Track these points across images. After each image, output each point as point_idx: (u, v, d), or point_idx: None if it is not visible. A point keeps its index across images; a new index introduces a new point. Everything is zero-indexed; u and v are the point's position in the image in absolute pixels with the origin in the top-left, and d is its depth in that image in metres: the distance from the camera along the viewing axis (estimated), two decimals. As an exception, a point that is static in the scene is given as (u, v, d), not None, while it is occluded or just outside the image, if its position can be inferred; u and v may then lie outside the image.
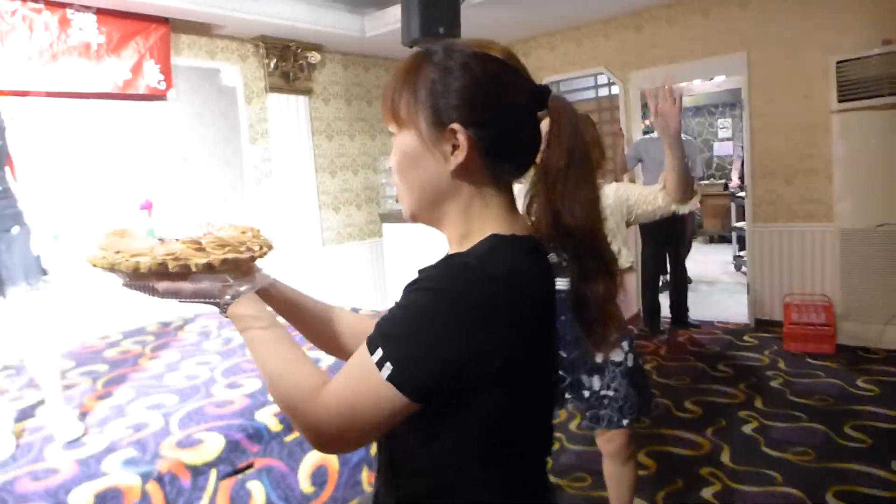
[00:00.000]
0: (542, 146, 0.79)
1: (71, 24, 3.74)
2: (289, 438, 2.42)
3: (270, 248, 0.90)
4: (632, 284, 5.10)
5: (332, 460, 2.55)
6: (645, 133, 5.32)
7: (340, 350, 0.98)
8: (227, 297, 0.81)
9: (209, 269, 0.80)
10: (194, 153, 4.54)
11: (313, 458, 2.49)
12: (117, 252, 0.82)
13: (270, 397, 0.85)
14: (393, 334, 0.71)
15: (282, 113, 5.02)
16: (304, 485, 2.46)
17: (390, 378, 0.69)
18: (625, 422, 1.96)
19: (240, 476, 2.27)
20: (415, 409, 0.71)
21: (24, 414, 2.63)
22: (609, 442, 2.07)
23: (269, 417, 2.41)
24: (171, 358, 3.40)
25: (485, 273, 0.71)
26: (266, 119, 4.99)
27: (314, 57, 5.06)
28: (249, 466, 2.31)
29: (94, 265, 0.83)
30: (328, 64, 5.44)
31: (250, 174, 4.90)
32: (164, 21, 4.15)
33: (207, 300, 0.82)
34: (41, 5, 3.61)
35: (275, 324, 0.82)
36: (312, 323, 0.97)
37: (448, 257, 0.75)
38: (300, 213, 5.15)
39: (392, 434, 0.74)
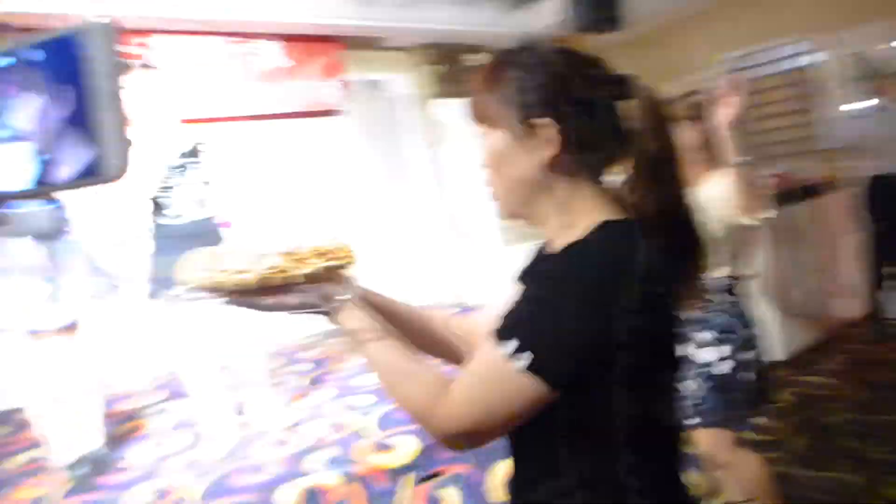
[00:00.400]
0: (633, 134, 0.81)
1: (259, 52, 4.07)
2: (480, 445, 2.35)
3: (353, 259, 0.89)
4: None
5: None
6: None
7: (446, 351, 0.97)
8: (334, 305, 0.82)
9: (313, 279, 0.81)
10: (367, 165, 4.72)
11: (505, 466, 2.39)
12: (221, 271, 0.80)
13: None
14: (526, 324, 0.71)
15: (453, 117, 5.05)
16: (497, 493, 2.36)
17: (530, 367, 0.69)
18: (696, 420, 1.83)
19: (433, 481, 2.23)
20: (551, 398, 0.71)
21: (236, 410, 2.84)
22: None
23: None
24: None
25: (609, 255, 0.73)
26: (437, 125, 5.06)
27: (479, 59, 5.04)
28: (437, 474, 2.26)
29: (197, 285, 0.82)
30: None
31: (423, 181, 5.00)
32: (339, 41, 4.37)
33: (314, 310, 0.82)
34: (236, 38, 3.98)
35: (386, 333, 0.82)
36: (410, 328, 0.95)
37: (567, 247, 0.75)
38: (477, 216, 5.14)
39: (525, 430, 0.74)
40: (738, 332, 1.81)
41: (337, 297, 0.81)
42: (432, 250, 4.95)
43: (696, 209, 0.83)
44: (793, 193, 3.46)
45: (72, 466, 2.27)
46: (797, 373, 2.80)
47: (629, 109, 0.81)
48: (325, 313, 0.82)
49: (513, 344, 0.70)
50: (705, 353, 1.84)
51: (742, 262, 1.88)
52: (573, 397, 0.72)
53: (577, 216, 0.81)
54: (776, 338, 2.92)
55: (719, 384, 1.82)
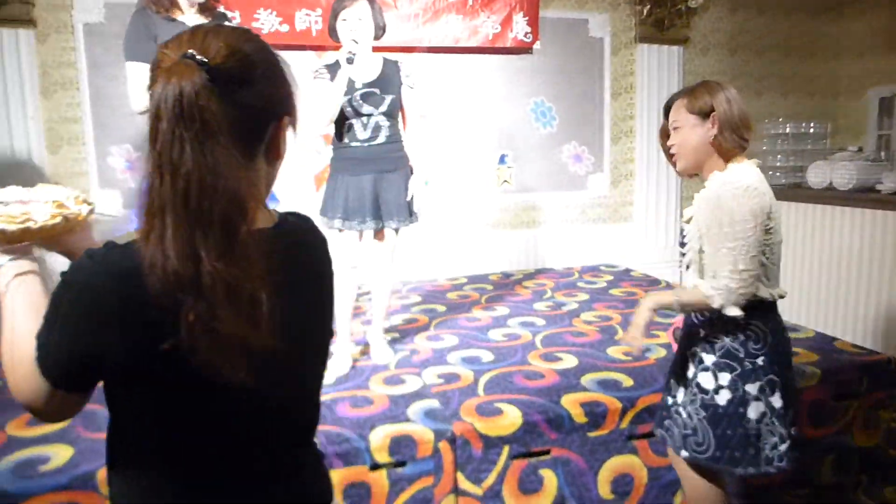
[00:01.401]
0: None
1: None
2: (593, 434, 2.11)
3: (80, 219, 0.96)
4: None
5: (641, 472, 2.15)
6: None
7: None
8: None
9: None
10: (556, 106, 4.43)
11: (618, 462, 2.14)
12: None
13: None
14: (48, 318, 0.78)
15: (650, 65, 4.52)
16: (603, 489, 2.13)
17: (37, 358, 0.77)
18: (684, 453, 1.68)
19: (532, 459, 2.07)
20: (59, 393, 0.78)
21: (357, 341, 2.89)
22: (675, 463, 1.81)
23: (574, 406, 2.12)
24: (501, 311, 3.39)
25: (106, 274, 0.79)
26: (632, 72, 4.57)
27: (696, 0, 4.38)
28: (545, 453, 2.08)
29: None
30: (711, 8, 4.67)
31: (609, 131, 4.59)
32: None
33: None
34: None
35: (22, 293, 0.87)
36: None
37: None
38: (660, 175, 4.64)
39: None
40: (744, 359, 1.59)
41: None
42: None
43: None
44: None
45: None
46: None
47: None
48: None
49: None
50: (704, 378, 1.64)
51: (766, 276, 1.61)
52: (111, 408, 0.83)
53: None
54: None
55: (711, 417, 1.62)
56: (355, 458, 1.92)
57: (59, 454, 1.87)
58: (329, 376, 2.48)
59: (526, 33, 4.14)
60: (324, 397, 2.20)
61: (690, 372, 1.68)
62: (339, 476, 1.89)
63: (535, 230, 4.57)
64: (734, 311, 1.52)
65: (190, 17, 2.29)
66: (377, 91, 2.52)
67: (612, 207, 4.71)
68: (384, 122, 2.56)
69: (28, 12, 3.58)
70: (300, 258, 0.87)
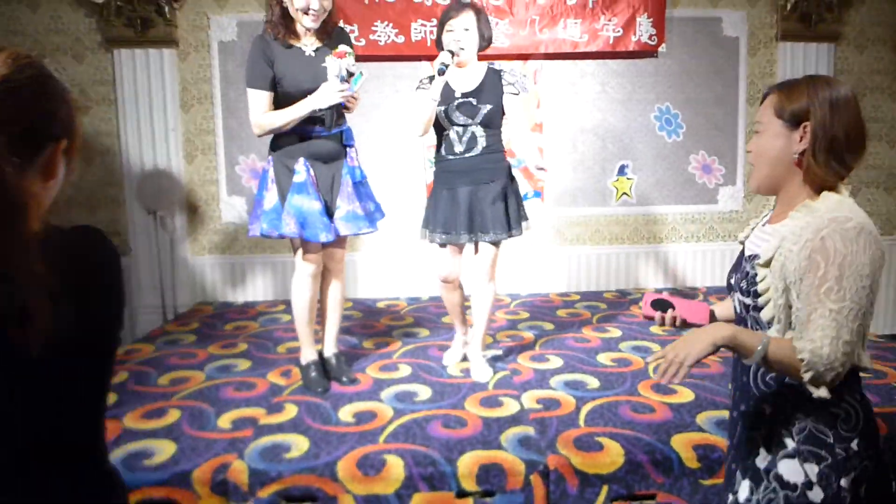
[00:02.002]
0: None
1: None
2: (707, 482, 1.87)
3: None
4: None
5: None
6: None
7: None
8: None
9: None
10: (683, 113, 4.11)
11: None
12: None
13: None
14: None
15: (794, 66, 4.06)
16: (717, 547, 1.87)
17: None
18: None
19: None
20: None
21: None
22: None
23: (685, 448, 1.90)
24: (613, 333, 3.17)
25: None
26: (772, 74, 4.13)
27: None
28: (651, 497, 1.87)
29: None
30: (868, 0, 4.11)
31: (744, 139, 4.19)
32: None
33: None
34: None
35: None
36: None
37: None
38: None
39: None
40: (835, 444, 1.14)
41: None
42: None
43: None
44: None
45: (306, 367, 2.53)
46: None
47: None
48: None
49: None
50: (785, 467, 1.18)
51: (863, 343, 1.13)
52: None
53: None
54: None
55: None
56: (441, 483, 1.83)
57: (164, 450, 1.96)
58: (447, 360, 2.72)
59: (650, 35, 3.88)
60: (416, 415, 2.16)
61: (762, 463, 1.23)
62: (422, 500, 1.82)
63: (657, 246, 4.26)
64: (823, 393, 1.09)
65: (307, 40, 2.33)
66: (473, 101, 2.47)
67: (744, 224, 4.28)
68: (480, 133, 2.49)
69: (171, 34, 3.90)
70: (74, 270, 0.84)
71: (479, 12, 2.48)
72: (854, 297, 1.07)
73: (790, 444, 1.19)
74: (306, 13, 2.20)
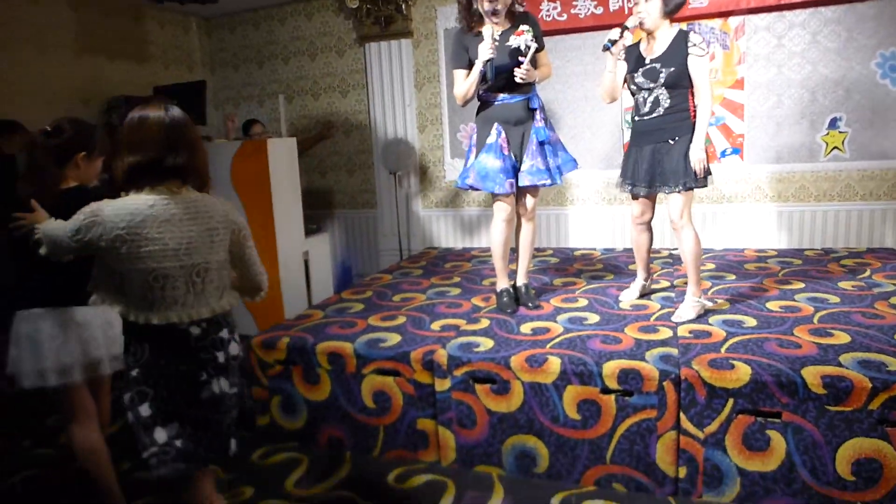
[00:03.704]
0: None
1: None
2: (834, 408, 2.06)
3: None
4: None
5: (890, 456, 2.02)
6: None
7: None
8: None
9: None
10: None
11: (863, 445, 2.05)
12: None
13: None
14: None
15: None
16: (842, 468, 2.08)
17: None
18: None
19: (759, 419, 2.14)
20: None
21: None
22: None
23: (813, 376, 2.10)
24: (795, 286, 3.24)
25: None
26: None
27: None
28: (776, 415, 2.13)
29: None
30: None
31: None
32: None
33: None
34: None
35: None
36: None
37: None
38: None
39: None
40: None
41: None
42: None
43: None
44: None
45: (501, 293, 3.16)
46: None
47: None
48: None
49: None
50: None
51: None
52: None
53: None
54: None
55: None
56: (589, 379, 2.32)
57: (392, 339, 2.76)
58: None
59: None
60: (580, 333, 2.65)
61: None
62: (574, 391, 2.34)
63: (870, 204, 4.02)
64: None
65: (490, 28, 2.81)
66: (657, 65, 2.72)
67: None
68: (663, 95, 2.73)
69: (408, 26, 4.76)
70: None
71: None
72: None
73: None
74: (493, 14, 2.76)
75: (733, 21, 4.04)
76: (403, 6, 4.66)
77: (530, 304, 3.12)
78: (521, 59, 2.74)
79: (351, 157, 5.23)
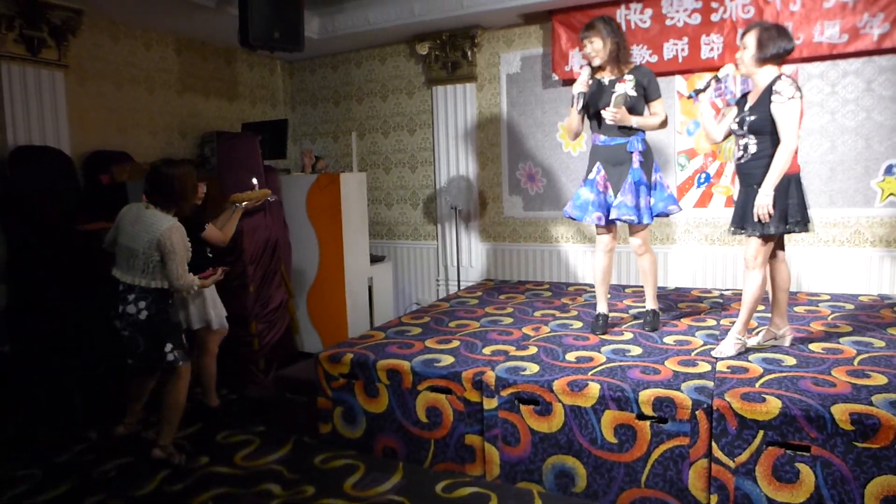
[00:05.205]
0: None
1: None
2: (862, 444, 2.16)
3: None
4: None
5: (918, 496, 2.09)
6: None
7: None
8: None
9: None
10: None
11: (888, 483, 2.13)
12: None
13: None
14: None
15: None
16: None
17: None
18: None
19: (789, 451, 2.26)
20: None
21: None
22: None
23: (842, 412, 2.20)
24: (841, 329, 3.29)
25: None
26: None
27: None
28: (805, 449, 2.24)
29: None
30: None
31: None
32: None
33: None
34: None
35: None
36: None
37: None
38: None
39: None
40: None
41: None
42: None
43: None
44: None
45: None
46: None
47: None
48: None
49: None
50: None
51: None
52: None
53: None
54: None
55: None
56: (626, 405, 2.50)
57: (446, 359, 3.01)
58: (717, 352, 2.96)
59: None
60: (622, 363, 2.82)
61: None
62: (611, 415, 2.51)
63: (929, 251, 4.00)
64: None
65: (606, 74, 3.28)
66: (747, 111, 2.80)
67: None
68: (751, 141, 2.79)
69: (472, 71, 5.12)
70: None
71: (758, 30, 2.74)
72: None
73: None
74: (588, 62, 3.26)
75: (787, 69, 4.16)
76: (469, 53, 5.02)
77: (647, 328, 3.45)
78: (613, 101, 3.14)
79: (416, 192, 5.59)
